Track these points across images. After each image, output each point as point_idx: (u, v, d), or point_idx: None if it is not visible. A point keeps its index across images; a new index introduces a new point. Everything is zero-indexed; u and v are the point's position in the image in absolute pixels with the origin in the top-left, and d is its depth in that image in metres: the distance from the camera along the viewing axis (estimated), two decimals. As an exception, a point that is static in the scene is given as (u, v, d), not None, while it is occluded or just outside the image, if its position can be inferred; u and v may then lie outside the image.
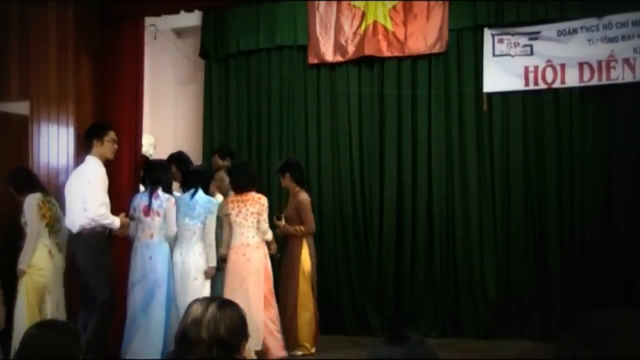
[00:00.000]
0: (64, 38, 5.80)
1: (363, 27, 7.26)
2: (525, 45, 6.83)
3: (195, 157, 7.53)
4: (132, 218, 5.52)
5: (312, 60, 7.49)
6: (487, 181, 6.96)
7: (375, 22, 7.20)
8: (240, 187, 5.96)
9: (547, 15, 6.71)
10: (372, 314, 7.15)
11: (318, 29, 7.44)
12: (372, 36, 7.21)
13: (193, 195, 5.79)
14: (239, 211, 5.86)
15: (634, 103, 6.48)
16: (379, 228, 7.24)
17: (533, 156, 6.85)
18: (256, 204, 5.89)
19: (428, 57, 7.15)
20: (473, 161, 6.99)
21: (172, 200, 5.68)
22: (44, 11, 5.84)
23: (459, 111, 7.06)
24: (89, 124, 5.68)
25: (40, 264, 5.23)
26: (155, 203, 5.58)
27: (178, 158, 6.50)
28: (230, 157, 6.95)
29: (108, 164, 5.41)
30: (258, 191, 6.06)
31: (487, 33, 6.95)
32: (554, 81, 6.74)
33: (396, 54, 7.19)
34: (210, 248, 5.78)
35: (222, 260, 5.91)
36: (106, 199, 5.20)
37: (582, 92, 6.70)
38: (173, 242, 5.73)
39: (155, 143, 7.37)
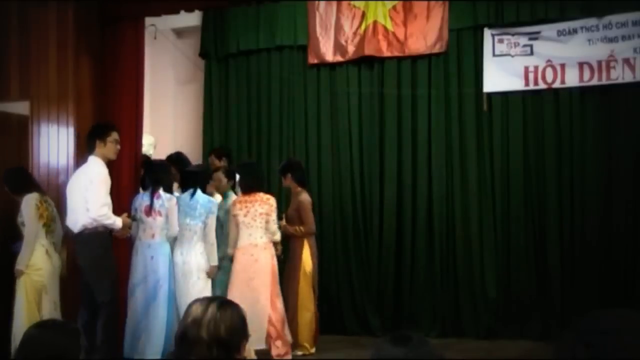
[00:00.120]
0: (64, 38, 5.79)
1: (363, 27, 7.26)
2: (525, 45, 6.83)
3: (195, 157, 7.54)
4: (134, 219, 5.53)
5: (312, 60, 7.50)
6: (487, 181, 6.96)
7: (375, 22, 7.20)
8: (249, 187, 5.98)
9: (547, 15, 6.72)
10: (372, 314, 7.15)
11: (318, 29, 7.44)
12: (372, 36, 7.21)
13: (192, 195, 5.80)
14: (247, 211, 5.87)
15: (634, 103, 6.48)
16: (379, 228, 7.24)
17: (533, 156, 6.85)
18: (265, 204, 5.90)
19: (428, 57, 7.15)
20: (473, 161, 6.99)
21: (174, 200, 5.69)
22: (44, 11, 5.83)
23: (459, 111, 7.06)
24: (89, 124, 5.68)
25: (38, 263, 5.23)
26: (157, 203, 5.58)
27: (176, 158, 6.51)
28: (226, 158, 6.96)
29: (109, 165, 5.41)
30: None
31: (487, 33, 6.95)
32: (554, 81, 6.74)
33: (396, 54, 7.20)
34: (212, 247, 5.80)
35: (230, 260, 5.92)
36: (108, 200, 5.20)
37: (582, 92, 6.70)
38: (172, 242, 5.73)
39: (155, 143, 7.37)
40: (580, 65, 6.62)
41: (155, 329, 5.44)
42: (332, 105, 7.49)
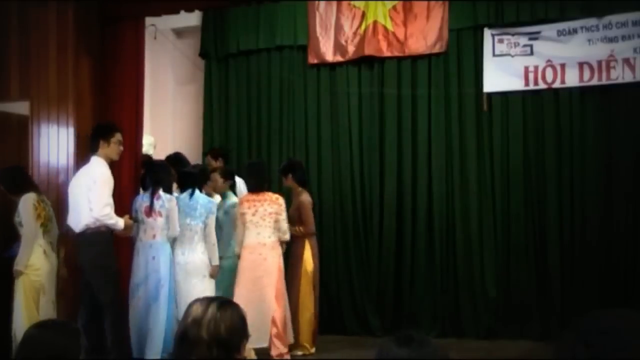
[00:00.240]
0: (64, 38, 5.79)
1: (363, 27, 7.26)
2: (525, 45, 6.83)
3: (195, 157, 7.54)
4: (135, 220, 5.53)
5: (312, 60, 7.50)
6: (487, 181, 6.97)
7: (375, 22, 7.20)
8: (258, 186, 5.99)
9: (547, 15, 6.72)
10: (372, 314, 7.15)
11: (318, 29, 7.44)
12: (372, 36, 7.21)
13: (191, 195, 5.81)
14: (256, 210, 5.88)
15: (634, 103, 6.48)
16: (379, 228, 7.24)
17: (533, 156, 6.86)
18: (274, 204, 5.92)
19: (428, 57, 7.15)
20: (473, 161, 7.00)
21: (174, 200, 5.69)
22: (44, 11, 5.83)
23: (459, 111, 7.07)
24: (89, 124, 5.68)
25: (36, 263, 5.22)
26: (157, 204, 5.59)
27: (175, 159, 6.51)
28: (223, 158, 6.96)
29: (110, 165, 5.40)
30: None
31: (487, 33, 6.95)
32: (554, 81, 6.74)
33: (396, 54, 7.20)
34: (213, 248, 5.82)
35: (237, 258, 5.95)
36: (110, 200, 5.20)
37: (582, 92, 6.70)
38: (172, 242, 5.73)
39: (155, 143, 7.36)
40: (580, 65, 6.62)
41: (155, 329, 5.44)
42: (332, 105, 7.49)
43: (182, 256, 5.71)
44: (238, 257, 5.94)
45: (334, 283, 7.26)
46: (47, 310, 5.21)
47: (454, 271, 6.99)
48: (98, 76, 5.99)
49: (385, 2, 7.19)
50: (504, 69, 6.88)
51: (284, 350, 5.84)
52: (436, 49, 7.09)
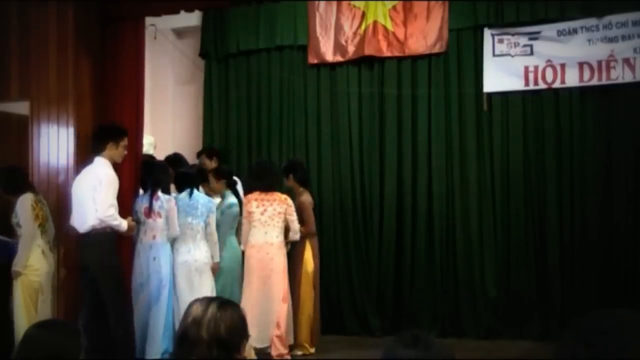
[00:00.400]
0: (64, 38, 5.78)
1: (363, 27, 7.26)
2: (525, 45, 6.84)
3: (195, 157, 7.53)
4: (137, 222, 5.54)
5: (312, 60, 7.50)
6: (487, 181, 6.97)
7: (375, 22, 7.20)
8: (267, 186, 5.99)
9: (547, 15, 6.72)
10: (372, 314, 7.15)
11: (318, 29, 7.44)
12: (372, 36, 7.21)
13: (190, 194, 5.84)
14: (265, 210, 5.91)
15: (634, 103, 6.48)
16: (379, 228, 7.24)
17: (533, 156, 6.86)
18: (283, 204, 5.95)
19: (428, 57, 7.16)
20: (473, 161, 7.00)
21: (173, 200, 5.70)
22: (44, 11, 5.82)
23: (459, 111, 7.07)
24: (89, 124, 5.67)
25: (35, 264, 5.22)
26: (156, 204, 5.60)
27: (174, 159, 6.51)
28: (217, 157, 6.96)
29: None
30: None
31: (487, 33, 6.95)
32: (554, 81, 6.74)
33: (396, 54, 7.20)
34: (215, 245, 5.88)
35: (241, 255, 6.01)
36: (115, 201, 5.21)
37: (582, 92, 6.70)
38: (172, 242, 5.74)
39: (155, 143, 7.36)
40: (580, 65, 6.62)
41: (156, 329, 5.46)
42: (332, 105, 7.49)
43: (188, 254, 5.74)
44: (242, 253, 5.96)
45: (334, 283, 7.26)
46: (44, 310, 5.20)
47: (454, 271, 6.99)
48: (98, 76, 5.98)
49: (385, 2, 7.19)
50: (504, 69, 6.88)
51: (284, 350, 5.84)
52: (436, 49, 7.09)
